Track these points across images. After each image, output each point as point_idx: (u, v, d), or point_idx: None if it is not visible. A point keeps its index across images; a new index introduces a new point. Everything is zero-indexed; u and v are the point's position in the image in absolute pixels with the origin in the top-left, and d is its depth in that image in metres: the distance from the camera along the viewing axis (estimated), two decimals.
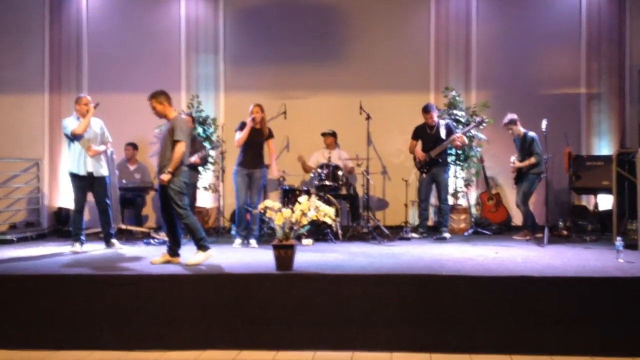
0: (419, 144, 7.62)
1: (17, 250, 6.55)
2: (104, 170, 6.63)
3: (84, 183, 6.52)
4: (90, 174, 6.49)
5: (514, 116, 7.39)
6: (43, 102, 9.04)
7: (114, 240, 6.70)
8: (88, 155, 6.46)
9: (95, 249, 6.54)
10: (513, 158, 7.44)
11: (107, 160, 6.95)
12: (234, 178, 6.87)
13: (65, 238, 7.65)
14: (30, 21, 9.03)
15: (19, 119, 8.97)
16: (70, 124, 6.48)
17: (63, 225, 8.62)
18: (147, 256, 5.88)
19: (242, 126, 6.90)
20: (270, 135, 7.01)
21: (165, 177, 5.30)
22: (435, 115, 7.52)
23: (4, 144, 8.78)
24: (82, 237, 6.55)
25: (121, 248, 6.60)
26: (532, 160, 7.17)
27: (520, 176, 7.36)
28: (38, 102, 9.03)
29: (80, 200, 6.54)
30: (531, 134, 7.31)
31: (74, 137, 6.45)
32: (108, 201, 6.68)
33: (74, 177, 6.50)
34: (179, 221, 5.50)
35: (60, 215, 8.77)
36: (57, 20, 9.08)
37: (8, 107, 8.96)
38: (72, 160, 6.48)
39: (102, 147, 6.65)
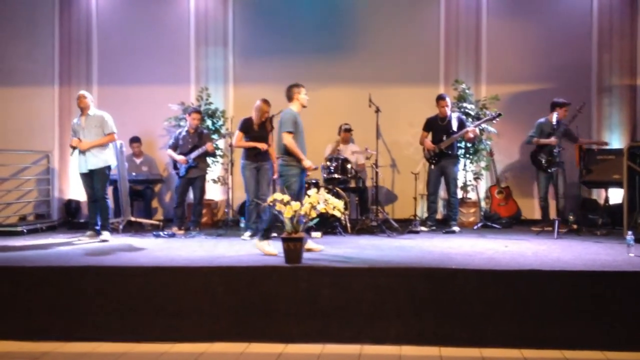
0: (430, 135, 7.59)
1: (27, 242, 6.58)
2: (101, 162, 6.70)
3: (87, 179, 6.78)
4: (90, 171, 6.70)
5: (557, 100, 7.50)
6: (53, 95, 9.08)
7: (105, 233, 6.69)
8: (82, 152, 6.67)
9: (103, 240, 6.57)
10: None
11: (117, 153, 7.08)
12: (242, 172, 6.90)
13: (75, 230, 7.70)
14: (41, 14, 9.06)
15: (29, 111, 9.01)
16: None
17: (73, 217, 8.67)
18: (156, 248, 5.92)
19: (244, 124, 6.93)
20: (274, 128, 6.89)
21: None
22: (448, 106, 7.50)
23: (15, 136, 8.83)
24: (97, 227, 6.77)
25: (107, 241, 6.52)
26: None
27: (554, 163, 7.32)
28: (48, 95, 9.07)
29: (89, 193, 6.86)
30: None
31: None
32: (106, 195, 6.81)
33: (79, 174, 6.83)
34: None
35: (70, 207, 8.81)
36: (67, 13, 9.11)
37: (18, 99, 9.00)
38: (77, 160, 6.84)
39: (102, 141, 6.72)
